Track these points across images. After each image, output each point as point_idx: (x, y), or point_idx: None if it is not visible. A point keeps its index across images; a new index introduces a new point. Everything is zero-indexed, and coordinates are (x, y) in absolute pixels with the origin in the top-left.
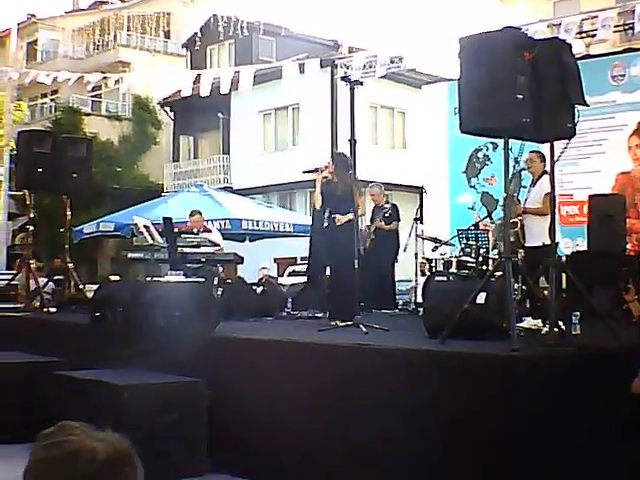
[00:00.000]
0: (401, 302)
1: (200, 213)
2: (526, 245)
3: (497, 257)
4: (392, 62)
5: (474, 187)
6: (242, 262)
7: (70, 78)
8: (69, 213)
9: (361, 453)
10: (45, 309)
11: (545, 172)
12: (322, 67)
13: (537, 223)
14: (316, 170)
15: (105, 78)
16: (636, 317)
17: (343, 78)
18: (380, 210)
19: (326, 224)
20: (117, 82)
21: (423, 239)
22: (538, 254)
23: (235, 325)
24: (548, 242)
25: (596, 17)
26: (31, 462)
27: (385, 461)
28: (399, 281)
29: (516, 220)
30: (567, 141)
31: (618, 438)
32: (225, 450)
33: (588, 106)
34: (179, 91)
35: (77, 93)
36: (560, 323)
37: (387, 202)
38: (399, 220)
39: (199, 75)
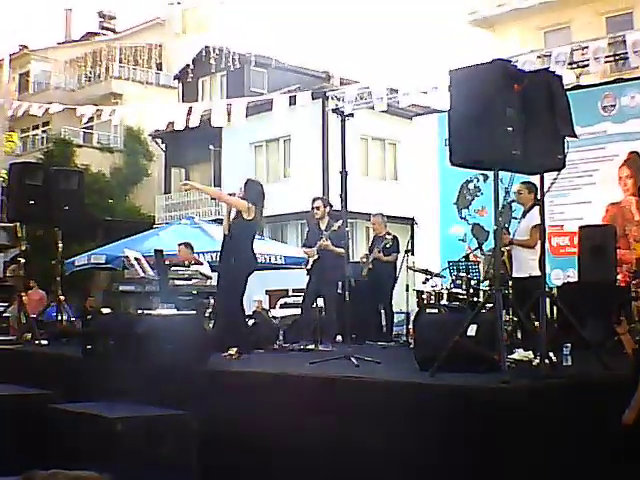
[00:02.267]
0: (393, 334)
1: (188, 246)
2: (513, 276)
3: (488, 289)
4: (385, 94)
5: (465, 218)
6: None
7: (62, 110)
8: (60, 245)
9: None
10: (37, 341)
11: (536, 204)
12: (313, 99)
13: (524, 254)
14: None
15: (98, 110)
16: (628, 351)
17: (334, 110)
18: (380, 240)
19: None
20: (111, 114)
21: (414, 271)
22: (525, 285)
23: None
24: (535, 273)
25: (587, 47)
26: None
27: None
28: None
29: (503, 250)
30: (557, 172)
31: (610, 469)
32: None
33: (577, 138)
34: (172, 123)
35: (69, 125)
36: (551, 355)
37: (388, 233)
38: (399, 252)
39: (191, 108)
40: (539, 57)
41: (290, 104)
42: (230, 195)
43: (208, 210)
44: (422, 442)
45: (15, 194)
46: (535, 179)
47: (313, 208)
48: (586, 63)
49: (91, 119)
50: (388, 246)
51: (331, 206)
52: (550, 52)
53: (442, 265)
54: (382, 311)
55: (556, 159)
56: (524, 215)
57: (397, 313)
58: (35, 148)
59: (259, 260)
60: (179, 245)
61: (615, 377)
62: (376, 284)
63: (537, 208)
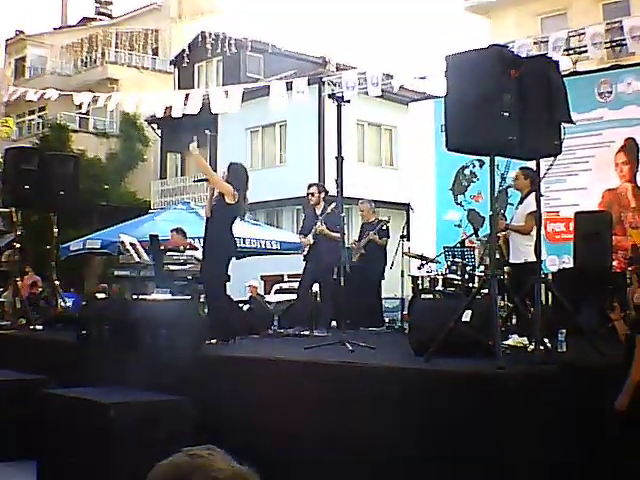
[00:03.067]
0: (388, 320)
1: (180, 232)
2: (510, 262)
3: (483, 275)
4: (381, 80)
5: (461, 204)
6: (229, 280)
7: (58, 98)
8: (56, 230)
9: (347, 470)
10: (31, 327)
11: (533, 190)
12: (310, 85)
13: (520, 240)
14: (207, 179)
15: (95, 97)
16: (621, 336)
17: (330, 96)
18: (371, 226)
19: None
20: (107, 100)
21: (409, 256)
22: (521, 271)
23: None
24: (530, 259)
25: (583, 33)
26: (163, 463)
27: (371, 477)
28: (386, 298)
29: (499, 235)
30: (553, 158)
31: (605, 454)
32: None
33: (574, 124)
34: (168, 108)
35: (65, 110)
36: (546, 340)
37: (378, 220)
38: (389, 237)
39: (188, 95)
40: (535, 43)
41: (287, 90)
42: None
43: (204, 195)
44: (417, 427)
45: (10, 179)
46: (531, 165)
47: (308, 194)
48: (583, 49)
49: (87, 105)
50: (384, 228)
51: (326, 192)
52: (546, 38)
53: (437, 251)
54: (376, 297)
55: (552, 145)
56: (521, 201)
57: (392, 299)
58: (31, 133)
59: (254, 245)
60: (171, 231)
61: (610, 363)
62: (369, 269)
63: (534, 194)
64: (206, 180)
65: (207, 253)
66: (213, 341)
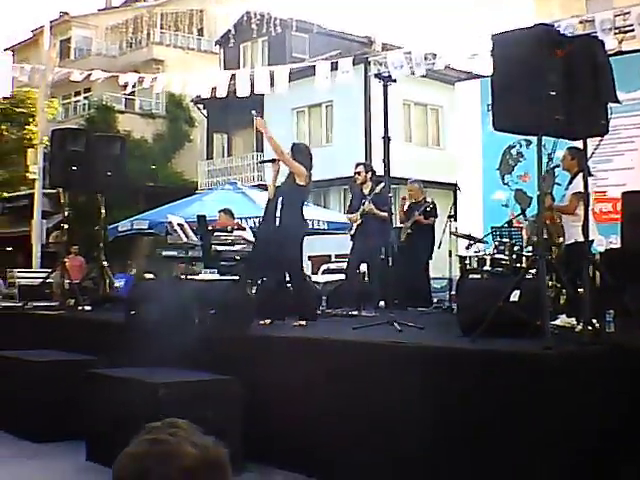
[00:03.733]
0: (436, 300)
1: (228, 212)
2: (560, 242)
3: (531, 255)
4: (426, 59)
5: (508, 184)
6: None
7: (104, 79)
8: (103, 211)
9: (394, 450)
10: (80, 307)
11: (581, 170)
12: (355, 65)
13: (567, 221)
14: (273, 161)
15: (140, 77)
16: None
17: (376, 75)
18: (419, 206)
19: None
20: (152, 81)
21: (457, 236)
22: (570, 251)
23: None
24: (579, 240)
25: (629, 13)
26: (125, 453)
27: (416, 458)
28: (434, 279)
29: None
30: (600, 138)
31: None
32: (260, 447)
33: (620, 103)
34: (214, 89)
35: (110, 91)
36: (594, 321)
37: (425, 200)
38: (436, 217)
39: (234, 75)
40: (581, 22)
41: (332, 70)
42: (273, 161)
43: (250, 176)
44: (466, 406)
45: (57, 160)
46: (578, 144)
47: (355, 173)
48: (629, 29)
49: (133, 86)
50: (429, 209)
51: (374, 172)
52: (592, 17)
53: (485, 231)
54: (424, 277)
55: (600, 125)
56: (570, 181)
57: (440, 279)
58: (77, 115)
59: None
60: (219, 212)
61: None
62: (415, 249)
63: (581, 175)
64: (272, 161)
65: (278, 236)
66: (303, 322)
